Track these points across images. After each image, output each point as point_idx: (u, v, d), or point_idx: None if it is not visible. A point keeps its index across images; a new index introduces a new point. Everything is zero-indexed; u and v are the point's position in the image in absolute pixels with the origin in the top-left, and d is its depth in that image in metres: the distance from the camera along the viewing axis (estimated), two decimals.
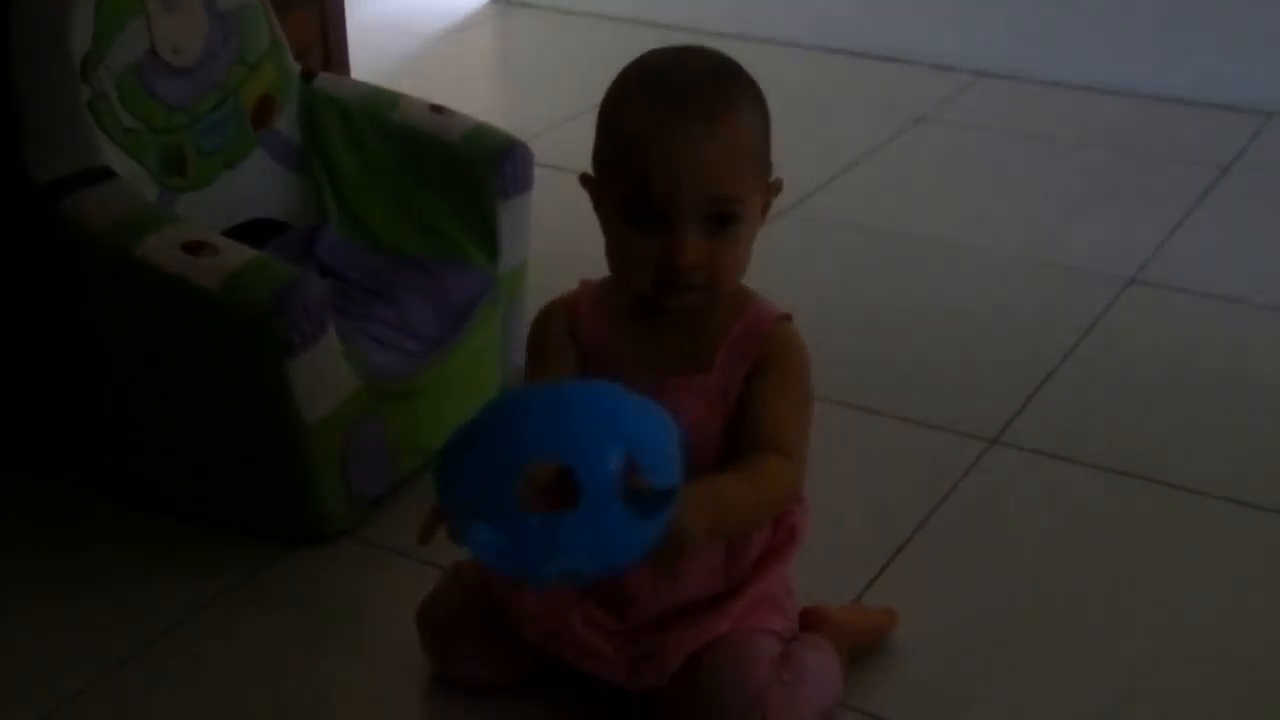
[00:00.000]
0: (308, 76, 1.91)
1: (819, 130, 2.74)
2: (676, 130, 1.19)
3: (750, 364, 1.27)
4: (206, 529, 1.62)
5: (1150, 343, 2.03)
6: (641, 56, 1.26)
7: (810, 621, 1.38)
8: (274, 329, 1.49)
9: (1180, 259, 2.26)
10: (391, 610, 1.49)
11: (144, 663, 1.44)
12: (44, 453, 1.74)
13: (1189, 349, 2.02)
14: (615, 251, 1.25)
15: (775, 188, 1.27)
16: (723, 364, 1.27)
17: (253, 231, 1.80)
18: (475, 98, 2.55)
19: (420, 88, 2.02)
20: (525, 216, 1.87)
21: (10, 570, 1.58)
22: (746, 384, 1.26)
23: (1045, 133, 2.77)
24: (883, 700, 1.39)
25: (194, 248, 1.53)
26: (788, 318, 1.30)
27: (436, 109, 1.90)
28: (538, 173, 1.86)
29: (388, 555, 1.60)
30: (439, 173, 1.86)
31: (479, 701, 1.38)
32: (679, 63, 1.24)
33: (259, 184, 1.84)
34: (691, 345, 1.27)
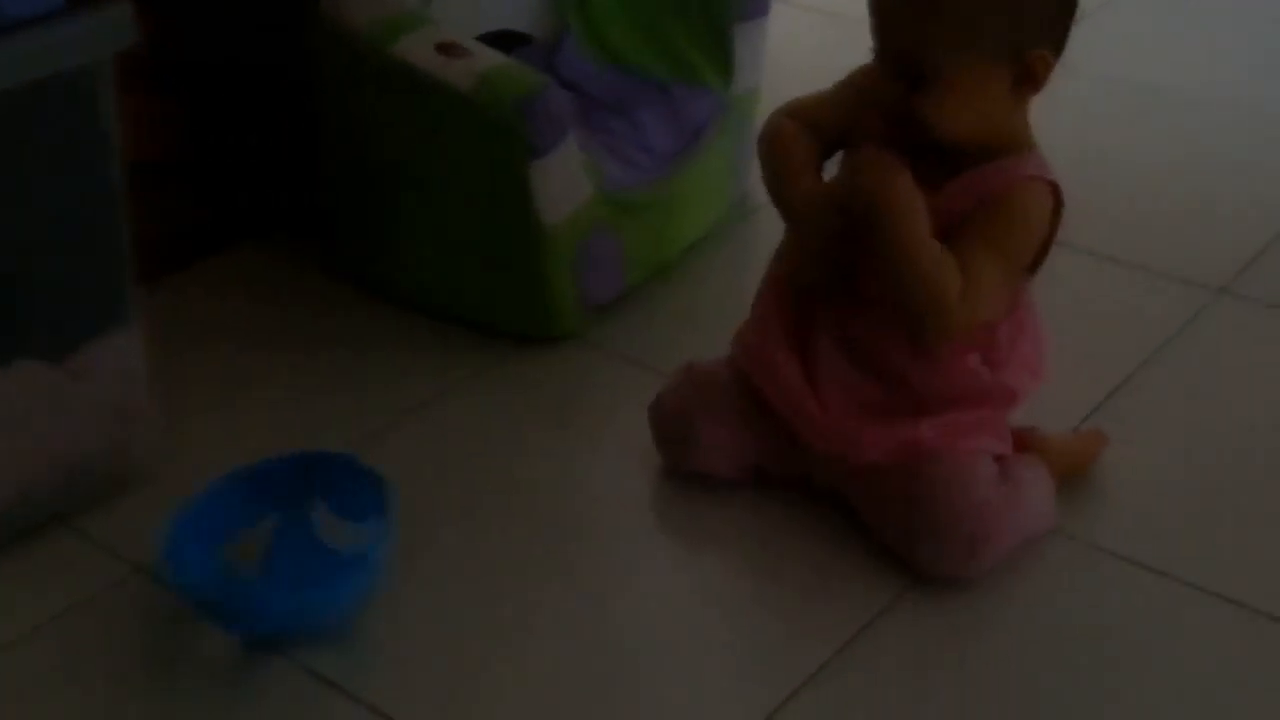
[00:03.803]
0: None
1: None
2: None
3: (975, 202, 1.29)
4: (444, 324, 1.69)
5: None
6: None
7: (1022, 442, 1.40)
8: (519, 131, 1.55)
9: None
10: (616, 407, 1.56)
11: (386, 438, 1.52)
12: (301, 241, 1.83)
13: None
14: None
15: (1033, 63, 1.24)
16: (953, 191, 1.29)
17: (497, 41, 1.84)
18: None
19: None
20: (760, 41, 1.89)
21: (267, 349, 1.67)
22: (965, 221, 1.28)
23: None
24: (1089, 525, 1.40)
25: (447, 49, 1.59)
26: (1043, 183, 1.29)
27: None
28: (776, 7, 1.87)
29: (614, 359, 1.65)
30: None
31: (704, 495, 1.44)
32: None
33: None
34: (933, 166, 1.29)
